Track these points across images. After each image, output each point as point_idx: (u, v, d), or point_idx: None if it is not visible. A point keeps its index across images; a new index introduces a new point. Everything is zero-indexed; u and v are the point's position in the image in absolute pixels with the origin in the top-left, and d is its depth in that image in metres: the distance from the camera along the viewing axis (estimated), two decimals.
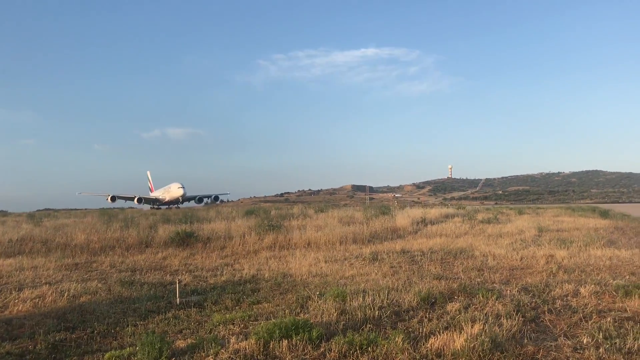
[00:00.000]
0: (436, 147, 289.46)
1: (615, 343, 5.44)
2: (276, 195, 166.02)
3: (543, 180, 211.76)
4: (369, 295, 7.82)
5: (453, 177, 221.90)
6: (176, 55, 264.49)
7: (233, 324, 6.88)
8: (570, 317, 6.70)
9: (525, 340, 5.74)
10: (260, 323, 6.61)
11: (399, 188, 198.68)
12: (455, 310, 7.05)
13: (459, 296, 7.99)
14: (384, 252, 13.95)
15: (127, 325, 7.05)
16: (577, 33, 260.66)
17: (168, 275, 11.40)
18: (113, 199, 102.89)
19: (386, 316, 6.93)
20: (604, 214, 30.01)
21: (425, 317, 6.82)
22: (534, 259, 12.04)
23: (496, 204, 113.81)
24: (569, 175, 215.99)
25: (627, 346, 5.36)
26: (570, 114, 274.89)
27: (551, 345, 5.59)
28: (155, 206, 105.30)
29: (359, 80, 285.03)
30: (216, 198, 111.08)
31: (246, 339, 5.90)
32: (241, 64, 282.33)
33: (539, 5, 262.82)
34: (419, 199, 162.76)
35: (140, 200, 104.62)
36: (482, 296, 7.70)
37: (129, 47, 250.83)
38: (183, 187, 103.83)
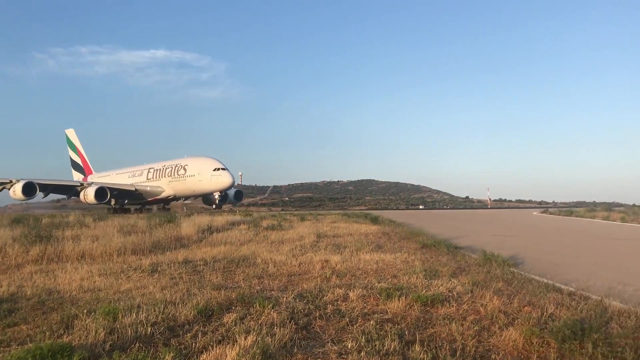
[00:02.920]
0: (228, 153, 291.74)
1: (376, 345, 5.83)
2: (53, 202, 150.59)
3: (325, 188, 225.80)
4: (143, 311, 7.36)
5: (243, 183, 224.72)
6: None
7: None
8: (339, 322, 7.05)
9: (296, 349, 5.87)
10: (12, 349, 5.81)
11: None
12: (232, 322, 6.97)
13: (237, 306, 7.94)
14: (165, 262, 13.40)
15: None
16: (355, 47, 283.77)
17: None
18: (28, 189, 50.30)
19: (159, 332, 6.57)
20: (374, 220, 32.82)
21: (201, 330, 6.62)
22: (311, 265, 12.55)
23: (282, 210, 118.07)
24: (346, 183, 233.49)
25: (386, 348, 5.79)
26: (348, 126, 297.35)
27: (319, 352, 5.80)
28: (135, 205, 60.97)
29: (147, 82, 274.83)
30: (239, 194, 68.55)
31: None
32: (11, 55, 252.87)
33: (319, 21, 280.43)
34: None
35: (101, 193, 53.82)
36: (259, 305, 7.74)
37: None
38: (226, 169, 53.94)
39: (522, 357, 5.72)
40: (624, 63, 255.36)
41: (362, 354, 5.61)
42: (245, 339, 5.90)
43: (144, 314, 7.18)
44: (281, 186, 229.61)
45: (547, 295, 8.46)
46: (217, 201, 55.90)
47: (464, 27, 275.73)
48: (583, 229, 31.57)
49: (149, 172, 60.49)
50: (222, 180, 52.95)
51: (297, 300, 8.29)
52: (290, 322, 6.86)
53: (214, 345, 5.84)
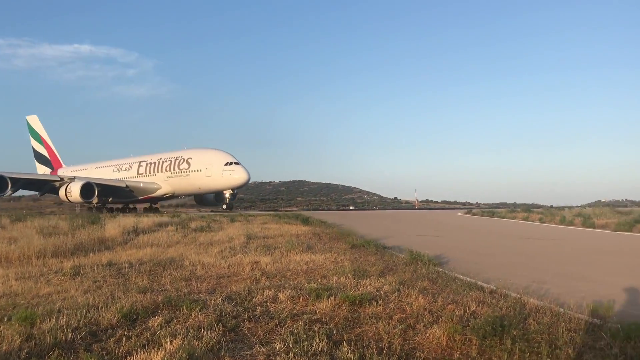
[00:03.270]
0: (156, 152, 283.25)
1: (304, 346, 5.85)
2: None
3: (256, 189, 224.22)
4: (64, 316, 7.07)
5: None
6: None
7: None
8: (268, 324, 7.02)
9: (223, 352, 5.80)
10: None
11: None
12: (157, 326, 6.80)
13: (163, 309, 7.75)
14: (88, 265, 12.93)
15: None
16: (286, 46, 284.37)
17: None
18: None
19: (81, 338, 6.33)
20: (305, 221, 32.85)
21: (125, 335, 6.41)
22: (240, 266, 12.43)
23: (212, 211, 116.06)
24: (278, 184, 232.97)
25: (314, 348, 5.81)
26: (280, 126, 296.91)
27: (247, 354, 5.75)
28: (118, 204, 53.89)
29: (71, 77, 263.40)
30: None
31: None
32: None
33: (249, 19, 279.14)
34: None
35: (88, 190, 46.28)
36: (186, 308, 7.60)
37: None
38: (239, 163, 47.42)
39: (446, 354, 5.90)
40: (552, 64, 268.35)
41: (290, 355, 5.61)
42: (171, 343, 5.78)
43: (64, 319, 6.90)
44: None
45: (469, 293, 8.76)
46: (228, 200, 49.51)
47: (401, 26, 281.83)
48: (504, 229, 32.94)
49: (139, 165, 53.23)
50: (236, 176, 46.59)
51: (226, 303, 8.19)
52: (218, 324, 6.77)
53: (139, 350, 5.69)
